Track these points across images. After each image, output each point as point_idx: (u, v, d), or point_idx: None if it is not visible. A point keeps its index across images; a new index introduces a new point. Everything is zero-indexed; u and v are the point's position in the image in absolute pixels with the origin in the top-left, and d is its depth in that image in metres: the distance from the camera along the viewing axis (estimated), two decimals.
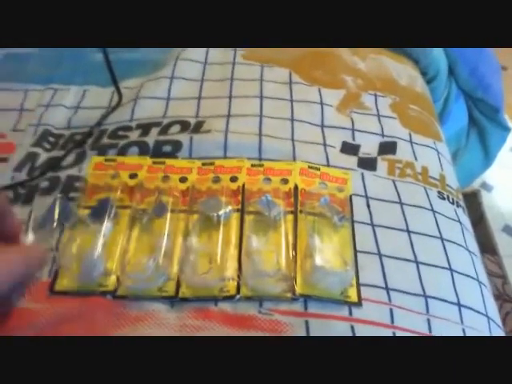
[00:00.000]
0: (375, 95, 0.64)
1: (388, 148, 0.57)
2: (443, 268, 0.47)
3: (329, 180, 0.52)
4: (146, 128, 0.56)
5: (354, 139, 0.58)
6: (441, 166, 0.58)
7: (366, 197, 0.51)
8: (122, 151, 0.53)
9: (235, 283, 0.42)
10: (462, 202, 0.57)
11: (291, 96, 0.62)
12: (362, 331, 0.40)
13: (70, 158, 0.54)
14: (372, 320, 0.41)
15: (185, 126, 0.57)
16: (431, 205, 0.52)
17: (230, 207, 0.48)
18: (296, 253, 0.44)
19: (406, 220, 0.50)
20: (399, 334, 0.41)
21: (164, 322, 0.40)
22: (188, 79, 0.63)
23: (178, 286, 0.42)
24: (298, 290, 0.42)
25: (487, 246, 1.01)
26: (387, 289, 0.44)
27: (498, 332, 0.46)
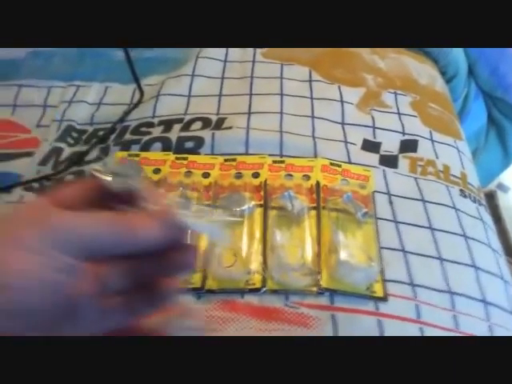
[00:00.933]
0: (395, 93, 0.64)
1: (409, 146, 0.57)
2: (467, 265, 0.47)
3: (350, 177, 0.52)
4: (168, 124, 0.57)
5: (374, 137, 0.58)
6: (462, 164, 0.58)
7: (389, 194, 0.51)
8: (146, 147, 0.54)
9: (260, 276, 0.42)
10: (483, 201, 0.57)
11: (311, 94, 0.62)
12: (389, 326, 0.40)
13: (94, 153, 0.54)
14: (398, 315, 0.41)
15: (206, 122, 0.57)
16: (453, 203, 0.52)
17: (252, 202, 0.48)
18: (320, 248, 0.45)
19: (428, 217, 0.50)
20: (426, 329, 0.41)
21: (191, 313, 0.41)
22: (208, 77, 0.64)
23: (205, 278, 0.42)
24: (324, 284, 0.42)
25: (505, 248, 0.99)
26: (412, 285, 0.44)
27: None
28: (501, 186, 1.31)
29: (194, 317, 0.32)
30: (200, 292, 0.42)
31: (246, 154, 0.53)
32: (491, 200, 1.16)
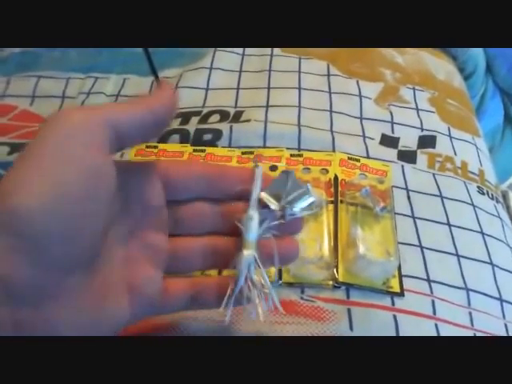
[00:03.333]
0: (413, 89, 0.64)
1: (427, 142, 0.57)
2: (484, 262, 0.46)
3: (369, 171, 0.51)
4: (186, 116, 0.57)
5: (393, 132, 0.57)
6: (480, 161, 0.58)
7: (407, 189, 0.51)
8: (164, 138, 0.54)
9: (277, 269, 0.42)
10: (500, 198, 0.56)
11: (329, 88, 0.62)
12: (405, 321, 0.40)
13: None
14: (414, 311, 0.41)
15: (224, 115, 0.57)
16: (471, 199, 0.52)
17: None
18: (337, 242, 0.45)
19: (446, 213, 0.49)
20: (440, 325, 0.41)
21: None
22: (226, 70, 0.64)
23: (220, 270, 0.42)
24: (340, 278, 0.42)
25: None
26: (429, 280, 0.44)
27: None
28: None
29: None
30: None
31: (264, 147, 0.53)
32: (503, 200, 1.15)
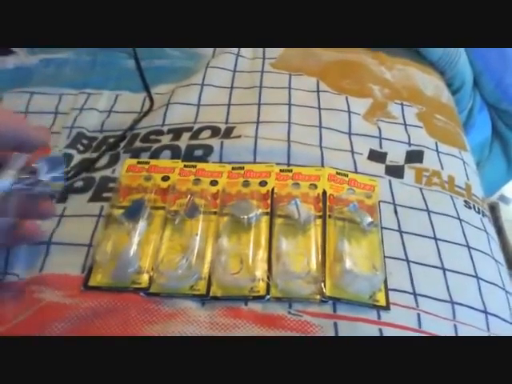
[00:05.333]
0: (402, 104, 0.65)
1: (415, 156, 0.58)
2: (470, 275, 0.47)
3: (357, 186, 0.52)
4: (177, 132, 0.58)
5: (381, 147, 0.58)
6: (466, 175, 0.59)
7: (394, 204, 0.52)
8: (155, 154, 0.55)
9: (265, 284, 0.43)
10: (487, 212, 0.57)
11: (319, 104, 0.63)
12: (391, 334, 0.41)
13: (104, 160, 0.55)
14: (400, 324, 0.42)
15: (215, 131, 0.58)
16: (458, 213, 0.53)
17: (259, 210, 0.49)
18: (325, 256, 0.45)
19: (433, 227, 0.50)
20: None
21: (195, 320, 0.41)
22: (218, 86, 0.65)
23: (209, 285, 0.43)
24: (327, 292, 0.43)
25: (506, 260, 1.00)
26: (415, 294, 0.44)
27: None
28: (503, 198, 1.31)
29: None
30: (205, 299, 0.43)
31: (254, 162, 0.54)
32: (493, 212, 1.17)
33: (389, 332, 0.41)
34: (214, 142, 0.56)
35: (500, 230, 1.17)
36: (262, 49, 0.71)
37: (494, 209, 1.24)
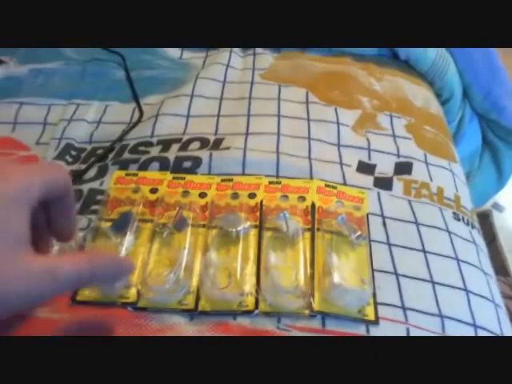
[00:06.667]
0: (391, 116, 0.65)
1: (404, 168, 0.58)
2: (459, 289, 0.47)
3: (345, 198, 0.52)
4: (166, 144, 0.58)
5: (370, 159, 0.58)
6: (456, 187, 0.59)
7: (382, 216, 0.52)
8: (144, 166, 0.55)
9: (254, 298, 0.43)
10: (476, 224, 0.57)
11: (308, 115, 0.63)
12: None
13: (92, 172, 0.55)
14: None
15: (204, 142, 0.58)
16: (446, 225, 0.53)
17: (248, 223, 0.48)
18: (313, 270, 0.45)
19: (421, 240, 0.50)
20: None
21: (184, 335, 0.41)
22: (207, 97, 0.65)
23: (198, 299, 0.43)
24: (316, 307, 0.43)
25: (499, 267, 1.00)
26: (404, 308, 0.44)
27: None
28: (496, 206, 1.32)
29: None
30: (193, 313, 0.42)
31: (243, 174, 0.54)
32: (486, 219, 1.17)
33: None
34: (203, 154, 0.56)
35: (493, 238, 1.18)
36: (251, 59, 0.72)
37: (487, 216, 1.25)
